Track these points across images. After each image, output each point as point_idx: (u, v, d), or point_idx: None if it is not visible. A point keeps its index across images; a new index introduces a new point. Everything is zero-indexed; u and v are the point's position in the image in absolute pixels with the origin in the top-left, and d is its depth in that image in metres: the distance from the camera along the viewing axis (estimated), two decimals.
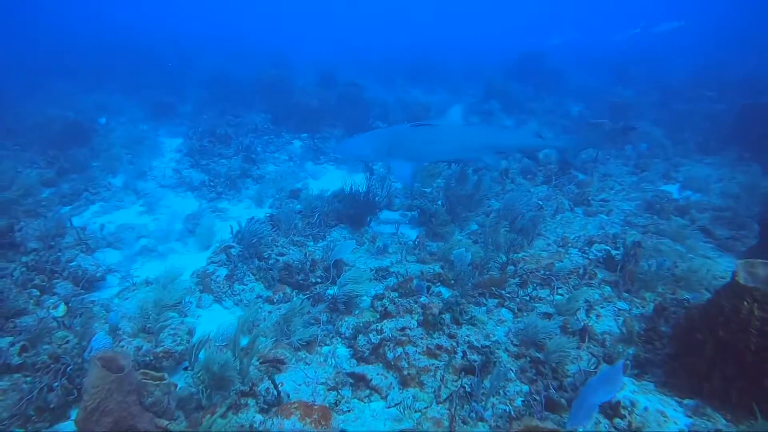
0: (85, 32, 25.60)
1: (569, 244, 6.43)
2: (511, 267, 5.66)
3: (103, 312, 5.18)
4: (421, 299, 4.64)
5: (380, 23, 45.55)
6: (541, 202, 8.01)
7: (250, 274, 5.67)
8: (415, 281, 5.00)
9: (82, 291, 5.40)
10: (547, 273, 5.46)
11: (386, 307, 4.62)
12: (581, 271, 5.52)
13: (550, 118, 14.89)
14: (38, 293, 5.02)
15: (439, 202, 7.68)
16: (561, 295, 5.17)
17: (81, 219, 7.49)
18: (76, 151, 9.31)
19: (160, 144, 11.15)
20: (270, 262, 5.78)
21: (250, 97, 14.35)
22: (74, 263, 5.58)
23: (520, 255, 6.05)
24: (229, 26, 31.06)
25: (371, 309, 4.87)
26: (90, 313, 5.06)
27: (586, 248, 6.27)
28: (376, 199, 7.57)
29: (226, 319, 5.20)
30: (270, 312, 5.10)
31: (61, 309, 4.88)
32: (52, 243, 5.79)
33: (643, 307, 5.03)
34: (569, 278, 5.42)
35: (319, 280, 5.55)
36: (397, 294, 4.85)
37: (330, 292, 5.29)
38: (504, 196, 7.91)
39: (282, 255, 5.88)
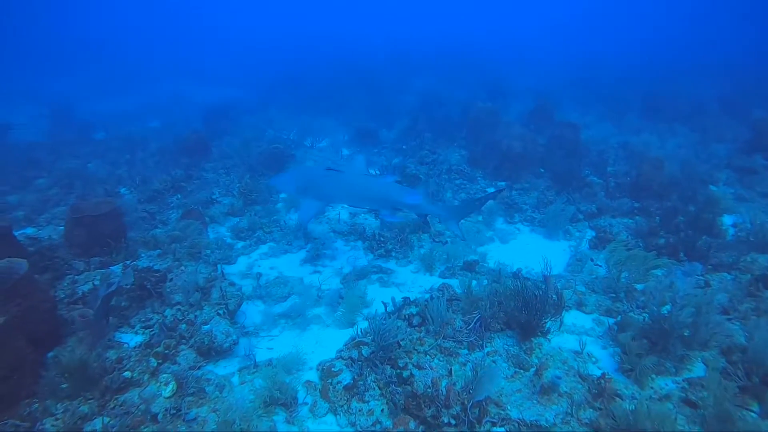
0: (315, 58, 27.57)
1: None
2: None
3: (217, 393, 4.70)
4: None
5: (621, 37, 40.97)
6: None
7: (376, 388, 4.63)
8: None
9: (204, 363, 5.00)
10: None
11: None
12: None
13: None
14: (156, 363, 4.69)
15: (646, 316, 5.58)
16: None
17: (248, 259, 7.40)
18: (265, 181, 9.35)
19: None
20: (404, 374, 4.64)
21: (454, 130, 13.42)
22: (207, 327, 5.22)
23: None
24: (455, 42, 30.71)
25: None
26: (201, 394, 4.62)
27: None
28: (563, 295, 5.86)
29: None
30: None
31: (171, 388, 4.47)
32: (192, 300, 5.52)
33: None
34: None
35: (453, 421, 4.22)
36: None
37: None
38: (756, 324, 5.36)
39: (421, 367, 4.69)
